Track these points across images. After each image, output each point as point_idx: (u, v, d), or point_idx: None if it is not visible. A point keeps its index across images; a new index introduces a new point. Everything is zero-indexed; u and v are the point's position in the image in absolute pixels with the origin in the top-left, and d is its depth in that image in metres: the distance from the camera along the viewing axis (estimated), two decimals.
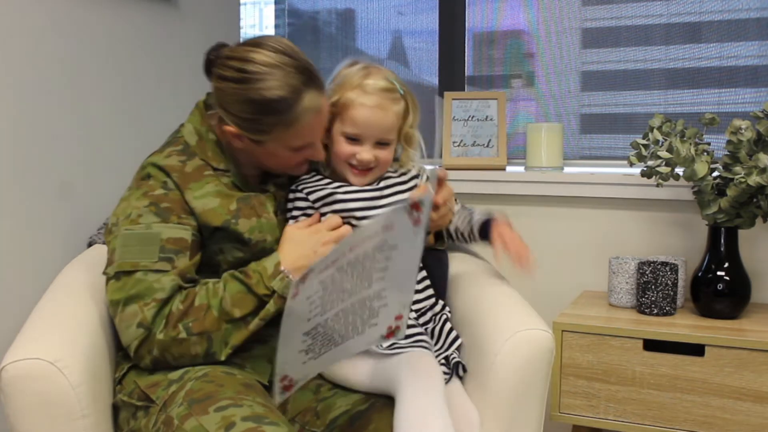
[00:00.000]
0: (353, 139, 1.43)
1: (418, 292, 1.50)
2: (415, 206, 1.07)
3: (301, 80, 1.31)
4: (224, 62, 1.32)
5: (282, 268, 1.32)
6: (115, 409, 1.34)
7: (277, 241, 1.41)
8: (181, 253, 1.30)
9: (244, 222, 1.37)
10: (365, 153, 1.42)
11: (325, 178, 1.48)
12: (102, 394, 1.30)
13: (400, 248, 1.08)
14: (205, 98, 1.45)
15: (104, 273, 1.33)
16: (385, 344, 1.34)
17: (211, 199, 1.35)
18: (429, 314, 1.49)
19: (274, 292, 1.30)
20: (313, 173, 1.49)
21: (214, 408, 1.16)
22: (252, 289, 1.30)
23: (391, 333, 1.14)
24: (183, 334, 1.26)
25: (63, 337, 1.25)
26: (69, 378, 1.20)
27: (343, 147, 1.43)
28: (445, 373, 1.37)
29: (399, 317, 1.14)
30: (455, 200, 1.59)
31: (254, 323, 1.31)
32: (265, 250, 1.38)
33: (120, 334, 1.30)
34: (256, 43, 1.33)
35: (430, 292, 1.52)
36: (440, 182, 1.40)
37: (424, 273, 1.53)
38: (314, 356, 1.12)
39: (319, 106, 1.34)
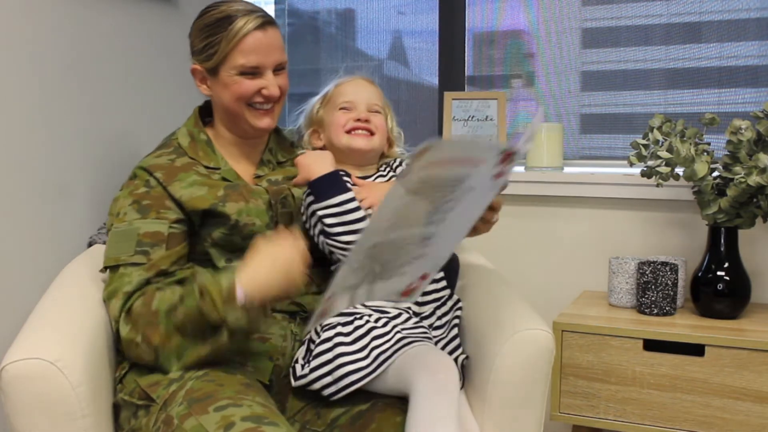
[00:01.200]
0: (348, 109, 1.52)
1: (436, 281, 1.50)
2: (508, 155, 0.92)
3: (250, 8, 1.41)
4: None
5: (238, 290, 1.20)
6: (116, 408, 1.34)
7: (267, 226, 1.43)
8: (156, 245, 1.34)
9: (231, 205, 1.40)
10: (361, 109, 1.51)
11: None
12: (102, 394, 1.30)
13: (475, 194, 0.93)
14: (203, 104, 1.53)
15: (100, 271, 1.40)
16: (402, 304, 1.36)
17: (198, 187, 1.40)
18: (449, 303, 1.50)
19: (225, 321, 1.21)
20: None
21: (214, 408, 1.16)
22: (204, 313, 1.21)
23: (407, 292, 1.06)
24: (138, 338, 1.27)
25: (63, 337, 1.25)
26: (69, 378, 1.20)
27: (339, 118, 1.51)
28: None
29: (424, 276, 1.04)
30: None
31: (212, 342, 1.24)
32: (255, 234, 1.38)
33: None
34: None
35: (444, 283, 1.53)
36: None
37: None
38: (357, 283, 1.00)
39: (262, 25, 1.40)
